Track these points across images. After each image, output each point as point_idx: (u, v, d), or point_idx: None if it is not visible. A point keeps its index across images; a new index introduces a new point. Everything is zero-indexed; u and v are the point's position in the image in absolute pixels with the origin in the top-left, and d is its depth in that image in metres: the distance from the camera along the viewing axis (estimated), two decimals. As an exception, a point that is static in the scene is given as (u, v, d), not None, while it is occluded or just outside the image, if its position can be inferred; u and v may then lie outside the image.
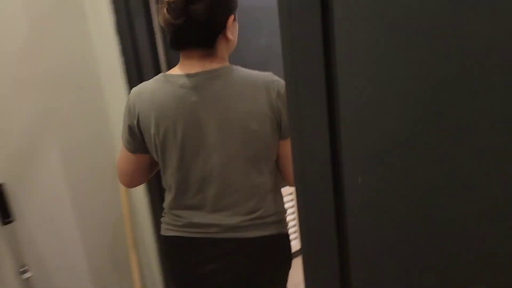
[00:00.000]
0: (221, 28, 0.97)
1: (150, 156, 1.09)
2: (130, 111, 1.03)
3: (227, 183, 1.03)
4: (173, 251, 1.13)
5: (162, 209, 1.16)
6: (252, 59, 1.85)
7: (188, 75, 0.98)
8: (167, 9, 0.94)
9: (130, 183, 1.18)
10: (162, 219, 1.16)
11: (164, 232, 1.14)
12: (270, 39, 1.91)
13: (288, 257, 1.15)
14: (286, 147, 1.03)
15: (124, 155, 1.10)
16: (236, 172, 1.02)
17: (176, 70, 1.01)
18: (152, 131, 1.01)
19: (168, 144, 1.01)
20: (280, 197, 1.12)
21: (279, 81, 0.99)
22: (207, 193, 1.04)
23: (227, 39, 1.00)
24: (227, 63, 1.02)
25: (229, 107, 0.96)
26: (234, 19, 1.00)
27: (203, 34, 0.96)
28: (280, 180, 1.11)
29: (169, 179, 1.07)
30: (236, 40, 1.05)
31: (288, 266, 1.17)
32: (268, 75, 1.00)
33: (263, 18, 1.88)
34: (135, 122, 1.03)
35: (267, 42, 1.91)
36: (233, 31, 1.01)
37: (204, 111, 0.97)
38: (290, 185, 1.11)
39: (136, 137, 1.06)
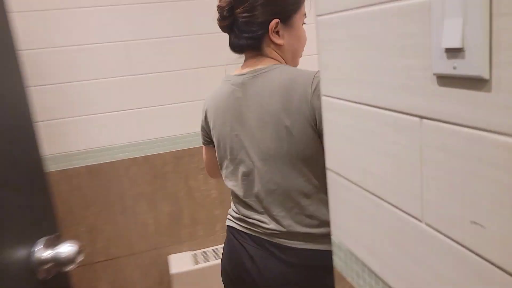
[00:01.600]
0: (263, 32, 1.00)
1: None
2: (203, 109, 1.15)
3: (266, 181, 1.01)
4: (227, 241, 1.16)
5: None
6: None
7: (240, 74, 1.03)
8: (218, 13, 1.03)
9: (209, 173, 1.29)
10: (229, 210, 1.20)
11: (226, 221, 1.19)
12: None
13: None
14: None
15: (203, 147, 1.23)
16: (273, 170, 1.00)
17: (236, 70, 1.07)
18: (211, 125, 1.11)
19: (221, 137, 1.08)
20: None
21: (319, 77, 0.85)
22: (252, 191, 1.05)
23: (273, 42, 1.01)
24: (276, 62, 1.02)
25: (265, 102, 0.97)
26: (287, 23, 1.00)
27: (247, 38, 1.00)
28: None
29: (225, 171, 1.12)
30: (297, 44, 1.04)
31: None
32: (310, 72, 0.95)
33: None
34: (204, 117, 1.15)
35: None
36: (283, 35, 1.01)
37: (245, 106, 1.01)
38: None
39: (205, 131, 1.18)
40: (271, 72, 0.99)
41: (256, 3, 0.97)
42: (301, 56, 1.10)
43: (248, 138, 1.02)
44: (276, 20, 0.99)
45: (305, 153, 0.96)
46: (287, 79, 0.96)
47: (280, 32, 1.01)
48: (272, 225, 1.02)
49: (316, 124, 0.94)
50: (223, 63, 1.68)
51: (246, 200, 1.07)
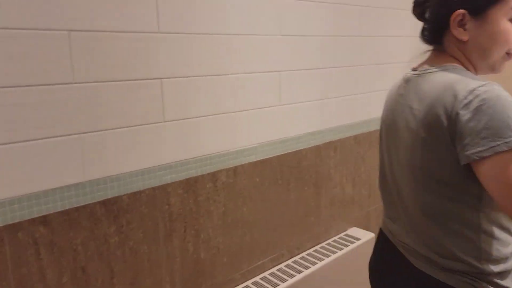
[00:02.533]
0: (444, 24, 0.89)
1: None
2: None
3: (400, 193, 0.95)
4: (375, 242, 1.12)
5: None
6: None
7: (412, 69, 0.97)
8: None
9: None
10: None
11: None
12: None
13: None
14: (487, 169, 0.75)
15: None
16: (405, 183, 0.92)
17: (418, 64, 0.99)
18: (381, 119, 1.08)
19: (382, 134, 1.05)
20: (486, 240, 0.83)
21: (481, 89, 0.75)
22: (390, 198, 1.01)
23: (455, 38, 0.88)
24: (454, 62, 0.90)
25: (415, 106, 0.88)
26: (478, 16, 0.85)
27: (429, 29, 0.94)
28: (494, 218, 0.84)
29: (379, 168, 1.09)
30: (488, 43, 0.86)
31: None
32: (472, 83, 0.78)
33: None
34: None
35: None
36: (471, 30, 0.86)
37: (401, 105, 0.94)
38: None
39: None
40: (435, 74, 0.87)
41: None
42: (506, 59, 0.89)
43: (395, 142, 0.95)
44: (461, 11, 0.85)
45: (444, 173, 0.83)
46: (440, 85, 0.83)
47: (467, 26, 0.86)
48: (404, 238, 0.99)
49: (453, 141, 0.79)
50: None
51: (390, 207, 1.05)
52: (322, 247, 1.99)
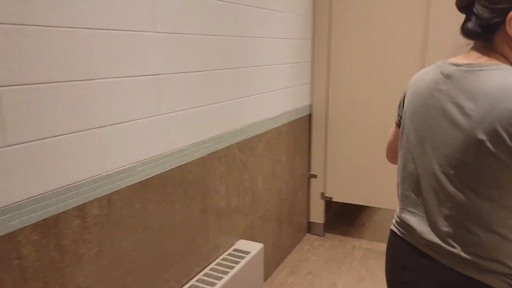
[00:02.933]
0: (500, 20, 0.84)
1: None
2: (407, 86, 1.07)
3: (431, 189, 0.93)
4: (387, 247, 1.12)
5: None
6: None
7: (454, 64, 0.91)
8: None
9: (387, 154, 1.22)
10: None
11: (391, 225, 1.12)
12: None
13: None
14: None
15: (392, 126, 1.17)
16: (444, 181, 0.90)
17: (455, 58, 0.94)
18: (404, 107, 1.04)
19: (405, 125, 1.02)
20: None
21: None
22: (414, 192, 0.99)
23: (509, 36, 0.84)
24: (504, 61, 0.86)
25: (466, 105, 0.84)
26: None
27: (478, 24, 0.87)
28: None
29: (398, 162, 1.06)
30: None
31: None
32: None
33: None
34: (402, 97, 1.08)
35: None
36: None
37: (444, 102, 0.90)
38: None
39: (399, 111, 1.10)
40: (489, 72, 0.84)
41: None
42: None
43: (430, 138, 0.93)
44: None
45: (491, 175, 0.83)
46: (503, 88, 0.80)
47: None
48: (423, 230, 0.98)
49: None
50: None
51: (410, 200, 1.02)
52: (212, 269, 1.80)
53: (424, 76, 0.99)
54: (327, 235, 3.09)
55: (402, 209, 1.04)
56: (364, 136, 2.79)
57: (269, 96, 2.27)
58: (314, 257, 2.77)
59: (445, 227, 0.91)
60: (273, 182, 2.43)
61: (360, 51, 2.70)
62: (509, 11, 0.83)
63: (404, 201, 1.03)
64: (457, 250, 0.89)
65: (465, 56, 0.92)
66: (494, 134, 0.79)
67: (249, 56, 2.01)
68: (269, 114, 2.29)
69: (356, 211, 3.49)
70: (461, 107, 0.85)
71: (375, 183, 2.81)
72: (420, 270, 0.96)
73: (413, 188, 0.99)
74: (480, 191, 0.85)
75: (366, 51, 2.68)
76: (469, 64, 0.88)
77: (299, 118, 2.72)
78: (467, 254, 0.87)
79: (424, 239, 0.95)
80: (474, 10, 0.87)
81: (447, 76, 0.91)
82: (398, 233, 1.04)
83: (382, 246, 2.85)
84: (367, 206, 3.37)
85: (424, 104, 0.95)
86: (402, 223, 1.03)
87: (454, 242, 0.89)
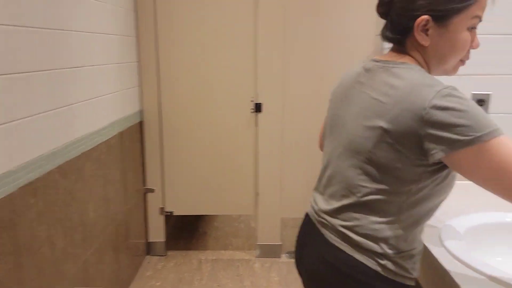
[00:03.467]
0: (408, 27, 0.92)
1: None
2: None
3: (336, 171, 1.00)
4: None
5: None
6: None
7: (375, 60, 0.99)
8: None
9: (319, 145, 1.23)
10: None
11: None
12: None
13: None
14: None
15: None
16: (343, 162, 0.98)
17: (379, 56, 1.01)
18: (330, 97, 1.11)
19: (329, 112, 1.09)
20: (404, 230, 0.92)
21: (446, 90, 0.83)
22: (324, 172, 1.06)
23: (417, 42, 0.93)
24: (414, 62, 0.94)
25: (371, 96, 0.93)
26: (441, 23, 0.89)
27: (393, 30, 0.96)
28: (422, 213, 0.93)
29: (324, 143, 1.12)
30: (447, 50, 0.92)
31: None
32: (438, 84, 0.84)
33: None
34: (334, 88, 1.13)
35: None
36: (432, 36, 0.91)
37: (360, 92, 0.98)
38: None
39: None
40: (398, 69, 0.92)
41: None
42: (459, 64, 0.97)
43: (341, 125, 1.01)
44: (426, 17, 0.89)
45: (391, 164, 0.90)
46: (408, 84, 0.88)
47: (430, 32, 0.91)
48: (322, 205, 1.08)
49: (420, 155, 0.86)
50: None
51: (320, 182, 1.11)
52: None
53: (351, 70, 1.07)
54: (169, 253, 2.80)
55: (315, 188, 1.11)
56: (203, 142, 2.61)
57: (94, 104, 1.84)
58: (158, 283, 2.45)
59: (334, 204, 0.98)
60: (106, 206, 2.01)
61: (192, 49, 2.50)
62: (418, 18, 0.90)
63: (319, 181, 1.10)
64: (339, 227, 0.96)
65: (385, 55, 1.01)
66: (396, 124, 0.86)
67: (62, 54, 1.55)
68: (96, 126, 1.86)
69: (195, 220, 3.30)
70: (373, 98, 0.93)
71: (218, 190, 2.67)
72: (312, 246, 1.04)
73: (323, 168, 1.08)
74: (373, 175, 0.92)
75: (198, 48, 2.50)
76: (386, 61, 0.97)
77: (129, 127, 2.34)
78: (346, 229, 0.95)
79: (319, 216, 1.03)
80: (391, 16, 0.96)
81: (367, 70, 1.00)
82: (308, 212, 1.11)
83: (228, 255, 2.74)
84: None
85: (344, 93, 1.03)
86: (312, 203, 1.10)
87: (338, 218, 0.97)
